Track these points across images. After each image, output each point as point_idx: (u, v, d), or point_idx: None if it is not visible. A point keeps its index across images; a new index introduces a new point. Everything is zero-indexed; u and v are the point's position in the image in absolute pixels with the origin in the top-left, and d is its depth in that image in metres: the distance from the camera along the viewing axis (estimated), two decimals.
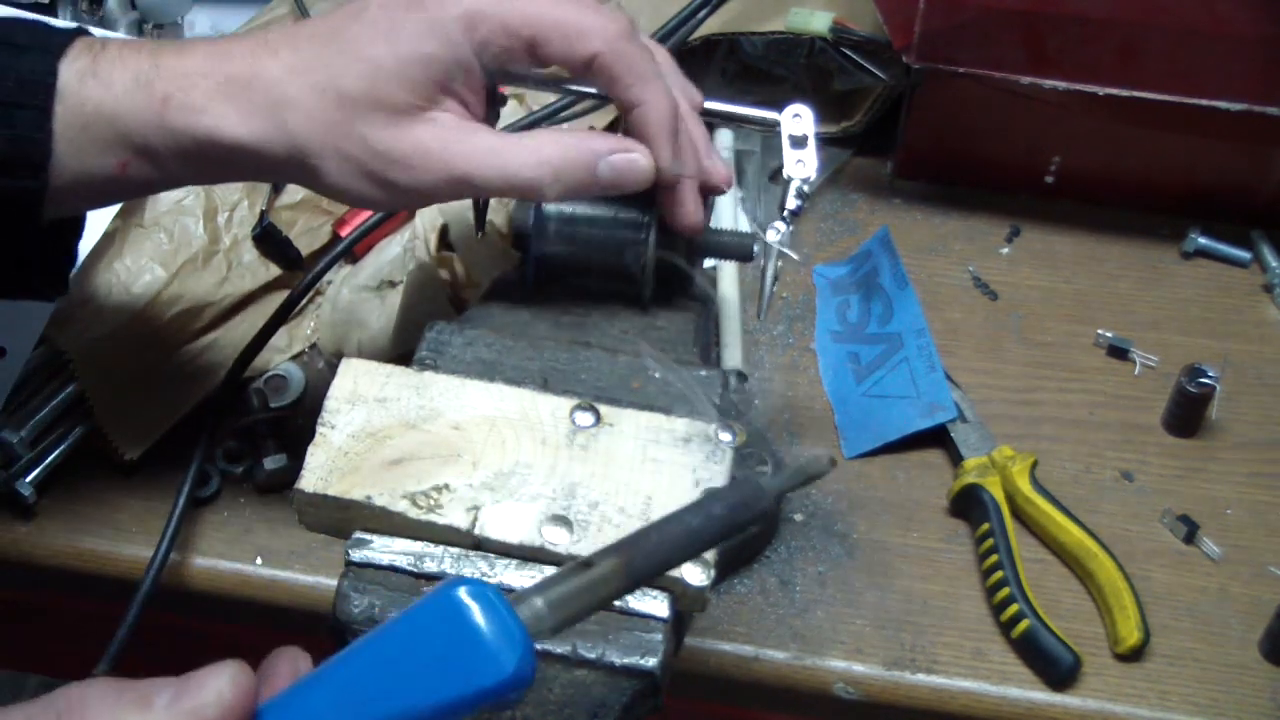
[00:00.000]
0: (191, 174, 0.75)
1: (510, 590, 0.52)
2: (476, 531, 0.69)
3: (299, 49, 0.73)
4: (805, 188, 0.83)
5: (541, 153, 0.75)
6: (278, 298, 1.00)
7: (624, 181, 0.77)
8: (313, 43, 0.73)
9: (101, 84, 0.71)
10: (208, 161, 0.73)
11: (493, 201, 0.95)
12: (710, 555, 0.70)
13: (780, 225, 0.83)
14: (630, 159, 0.77)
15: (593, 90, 0.80)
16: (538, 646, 0.49)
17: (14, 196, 0.71)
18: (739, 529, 0.57)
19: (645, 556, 0.54)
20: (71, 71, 0.71)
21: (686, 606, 0.71)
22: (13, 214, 0.72)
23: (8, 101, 0.70)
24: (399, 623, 0.49)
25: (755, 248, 0.86)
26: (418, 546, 0.70)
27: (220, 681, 0.50)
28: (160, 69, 0.72)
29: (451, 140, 0.74)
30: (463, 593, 0.48)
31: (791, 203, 0.84)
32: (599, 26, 0.75)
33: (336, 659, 0.49)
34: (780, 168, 0.85)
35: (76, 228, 0.80)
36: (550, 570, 0.71)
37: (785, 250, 0.83)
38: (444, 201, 0.79)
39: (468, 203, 0.98)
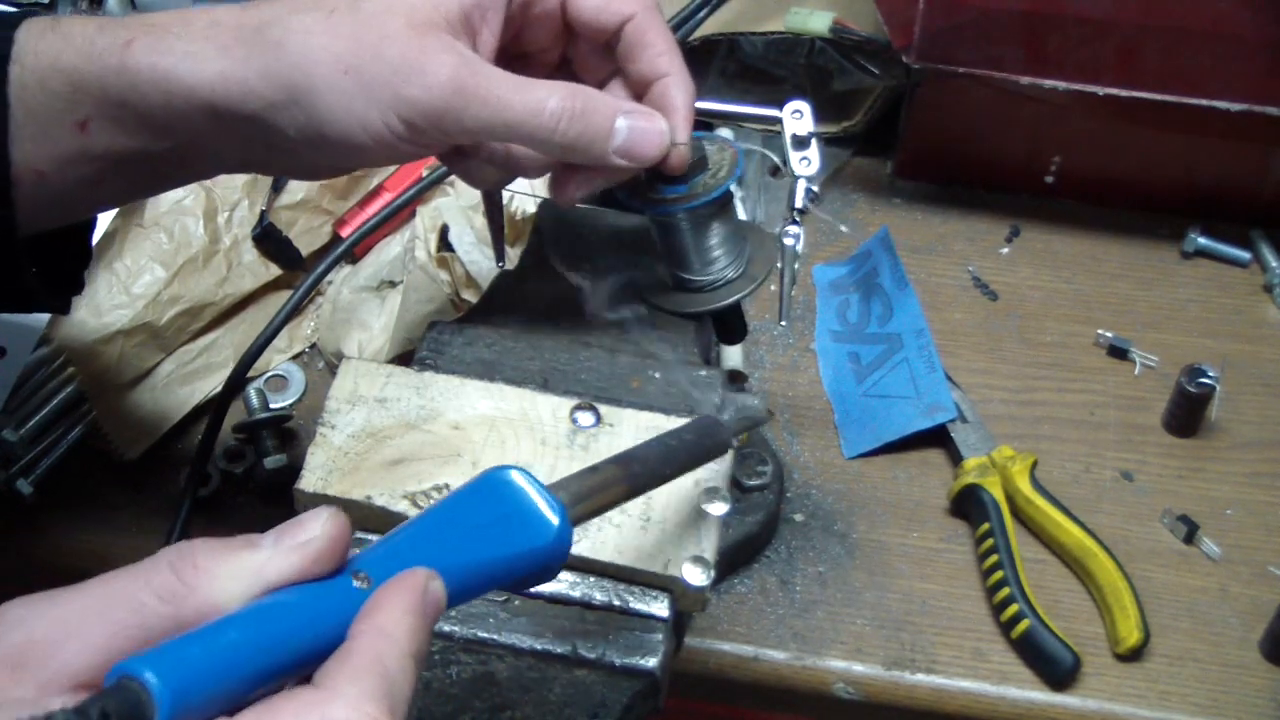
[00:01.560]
0: (153, 139, 0.68)
1: None
2: None
3: None
4: (813, 187, 0.83)
5: (558, 89, 0.70)
6: (278, 298, 1.00)
7: (637, 146, 0.72)
8: None
9: (61, 36, 0.67)
10: (175, 121, 0.67)
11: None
12: (710, 555, 0.70)
13: (794, 228, 0.83)
14: (651, 125, 0.72)
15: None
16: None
17: None
18: (704, 456, 0.67)
19: (640, 464, 0.62)
20: (29, 33, 0.67)
21: (686, 606, 0.71)
22: None
23: None
24: (457, 496, 0.55)
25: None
26: None
27: (322, 517, 0.52)
28: (131, 18, 0.67)
29: (471, 62, 0.68)
30: (514, 474, 0.55)
31: (800, 202, 0.84)
32: None
33: (406, 525, 0.54)
34: (781, 163, 0.85)
35: (80, 250, 0.76)
36: None
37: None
38: (445, 134, 0.69)
39: (467, 203, 0.99)
